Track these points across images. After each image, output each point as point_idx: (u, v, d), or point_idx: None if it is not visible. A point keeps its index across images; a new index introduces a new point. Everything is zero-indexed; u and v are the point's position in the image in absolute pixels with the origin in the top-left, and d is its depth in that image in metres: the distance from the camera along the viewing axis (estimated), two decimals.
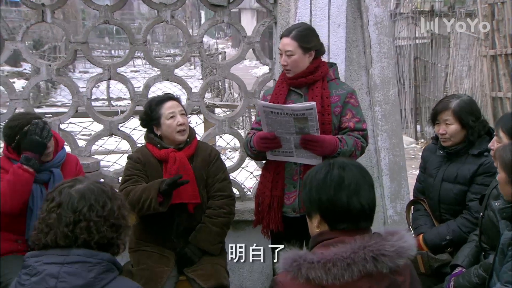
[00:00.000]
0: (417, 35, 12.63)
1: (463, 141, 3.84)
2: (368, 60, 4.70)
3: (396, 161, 4.77)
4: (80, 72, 24.47)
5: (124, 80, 4.81)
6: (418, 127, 13.54)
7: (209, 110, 7.98)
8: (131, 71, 22.39)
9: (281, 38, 3.79)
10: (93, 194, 2.34)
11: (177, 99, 4.02)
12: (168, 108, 3.91)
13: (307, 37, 3.74)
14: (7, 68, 21.30)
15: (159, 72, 4.89)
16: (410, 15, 12.54)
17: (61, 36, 21.38)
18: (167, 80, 4.85)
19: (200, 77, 21.06)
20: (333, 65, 3.92)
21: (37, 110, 13.13)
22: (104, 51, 28.92)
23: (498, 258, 2.97)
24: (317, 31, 3.95)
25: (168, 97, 4.00)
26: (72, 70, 24.52)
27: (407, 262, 2.23)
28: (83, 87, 5.34)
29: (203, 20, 31.04)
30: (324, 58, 4.13)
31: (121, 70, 5.03)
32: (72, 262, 2.24)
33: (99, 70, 4.84)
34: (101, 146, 7.00)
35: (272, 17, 4.80)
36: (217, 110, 9.31)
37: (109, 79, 4.73)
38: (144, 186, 3.78)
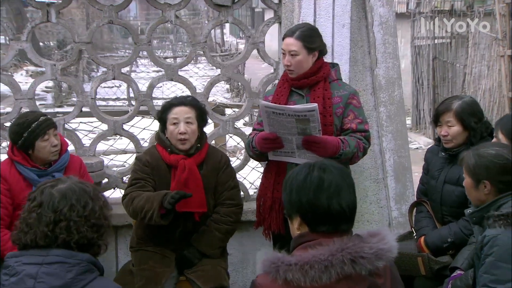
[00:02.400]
0: (435, 35, 12.48)
1: (466, 143, 3.80)
2: (373, 61, 4.65)
3: (401, 162, 4.71)
4: (103, 72, 24.56)
5: (128, 80, 4.82)
6: None
7: (220, 110, 8.05)
8: (153, 71, 22.47)
9: (283, 39, 3.77)
10: (75, 194, 2.34)
11: (190, 105, 3.89)
12: (174, 113, 3.82)
13: (311, 37, 3.72)
14: (31, 68, 21.49)
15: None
16: (429, 15, 12.40)
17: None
18: (171, 80, 4.84)
19: None
20: (335, 66, 3.90)
21: (57, 110, 13.21)
22: (128, 51, 28.98)
23: (475, 262, 2.95)
24: (321, 31, 3.94)
25: (180, 102, 3.88)
26: (95, 70, 24.69)
27: (387, 263, 2.21)
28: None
29: None
30: (328, 58, 4.11)
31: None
32: (51, 262, 2.24)
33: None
34: (111, 146, 7.03)
35: (277, 17, 4.78)
36: (229, 111, 9.30)
37: (113, 78, 4.74)
38: (148, 196, 3.70)
